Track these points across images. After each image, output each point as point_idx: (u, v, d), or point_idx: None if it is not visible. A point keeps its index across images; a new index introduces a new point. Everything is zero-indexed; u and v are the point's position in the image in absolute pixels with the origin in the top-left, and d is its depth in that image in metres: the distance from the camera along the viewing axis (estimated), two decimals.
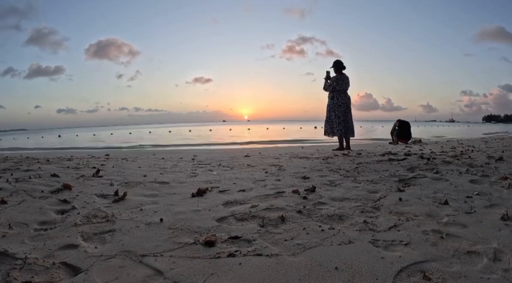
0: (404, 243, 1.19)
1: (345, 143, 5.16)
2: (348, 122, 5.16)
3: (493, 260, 1.04)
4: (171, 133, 24.62)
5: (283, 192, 1.93)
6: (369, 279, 0.94)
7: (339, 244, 1.18)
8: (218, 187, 2.11)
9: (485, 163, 2.95)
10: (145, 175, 2.52)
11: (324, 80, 5.31)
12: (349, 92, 5.30)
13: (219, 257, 1.08)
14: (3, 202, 1.62)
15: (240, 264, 1.04)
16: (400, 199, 1.74)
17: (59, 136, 25.57)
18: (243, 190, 1.99)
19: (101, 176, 2.42)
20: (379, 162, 3.19)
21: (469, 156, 3.54)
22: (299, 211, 1.55)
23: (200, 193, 1.90)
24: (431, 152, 4.19)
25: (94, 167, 2.82)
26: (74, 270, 1.00)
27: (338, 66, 5.24)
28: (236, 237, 1.24)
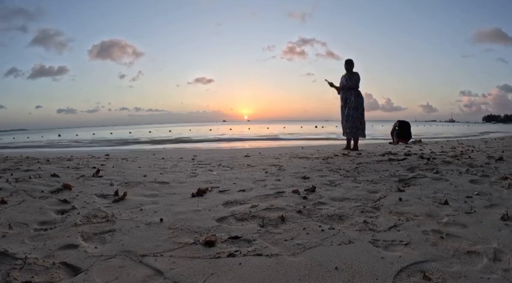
0: (404, 243, 1.19)
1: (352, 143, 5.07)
2: (355, 122, 5.02)
3: (493, 260, 1.04)
4: (171, 132, 24.63)
5: (283, 192, 1.93)
6: (369, 279, 0.94)
7: (339, 244, 1.18)
8: (218, 187, 2.11)
9: (485, 163, 2.95)
10: (145, 175, 2.52)
11: (336, 89, 5.21)
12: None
13: (219, 257, 1.08)
14: (3, 202, 1.62)
15: (240, 264, 1.04)
16: (400, 199, 1.74)
17: (59, 135, 25.58)
18: (243, 190, 1.99)
19: (101, 176, 2.42)
20: (379, 162, 3.19)
21: (469, 156, 3.54)
22: (299, 211, 1.55)
23: (200, 193, 1.90)
24: (431, 152, 4.19)
25: (94, 167, 2.82)
26: (74, 270, 1.00)
27: (352, 65, 5.13)
28: (236, 237, 1.24)
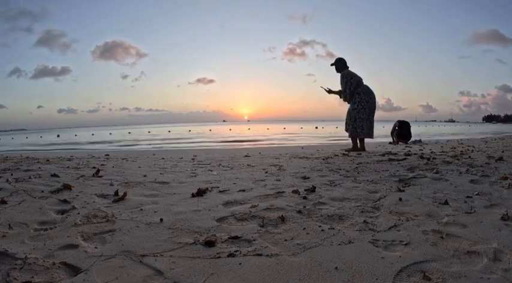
0: (404, 243, 1.18)
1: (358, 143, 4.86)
2: (356, 121, 4.78)
3: (493, 260, 1.04)
4: (171, 133, 24.61)
5: (283, 192, 1.93)
6: (369, 279, 0.94)
7: (339, 244, 1.18)
8: (218, 187, 2.11)
9: (485, 163, 2.95)
10: (145, 175, 2.52)
11: (337, 94, 4.93)
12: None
13: (219, 257, 1.08)
14: (3, 202, 1.62)
15: (240, 264, 1.04)
16: (400, 199, 1.74)
17: (58, 136, 25.57)
18: (243, 190, 1.99)
19: (101, 176, 2.42)
20: (379, 162, 3.19)
21: (469, 156, 3.54)
22: (299, 211, 1.55)
23: (200, 193, 1.90)
24: (431, 152, 4.19)
25: (94, 167, 2.82)
26: (74, 270, 1.00)
27: (342, 64, 4.82)
28: (236, 237, 1.24)
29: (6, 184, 1.98)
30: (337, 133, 17.15)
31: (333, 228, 1.33)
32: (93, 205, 1.65)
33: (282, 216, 1.45)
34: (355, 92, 4.74)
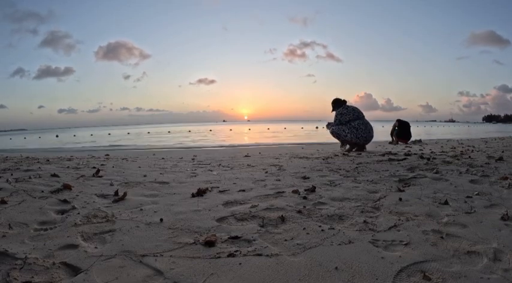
0: (404, 243, 1.18)
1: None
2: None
3: (493, 260, 1.04)
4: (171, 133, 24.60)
5: (283, 192, 1.93)
6: (369, 279, 0.94)
7: (339, 244, 1.18)
8: (218, 187, 2.11)
9: (485, 163, 2.95)
10: (145, 175, 2.52)
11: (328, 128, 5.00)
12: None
13: (219, 257, 1.08)
14: (3, 202, 1.62)
15: (240, 264, 1.04)
16: (400, 199, 1.74)
17: (57, 136, 25.57)
18: (243, 190, 1.99)
19: (101, 176, 2.42)
20: (379, 162, 3.19)
21: (469, 156, 3.54)
22: (299, 211, 1.55)
23: (200, 193, 1.90)
24: (431, 152, 4.20)
25: (94, 167, 2.82)
26: (74, 270, 1.00)
27: (336, 104, 4.92)
28: (236, 237, 1.24)
29: (6, 184, 1.98)
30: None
31: (333, 228, 1.33)
32: (93, 205, 1.65)
33: (282, 216, 1.45)
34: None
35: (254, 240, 1.22)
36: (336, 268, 1.00)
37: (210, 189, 2.03)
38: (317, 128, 27.41)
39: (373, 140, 4.92)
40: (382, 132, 12.28)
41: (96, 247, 1.16)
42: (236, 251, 1.12)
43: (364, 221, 1.41)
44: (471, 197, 1.78)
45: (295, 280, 0.94)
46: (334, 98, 5.02)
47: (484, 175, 2.38)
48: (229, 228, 1.35)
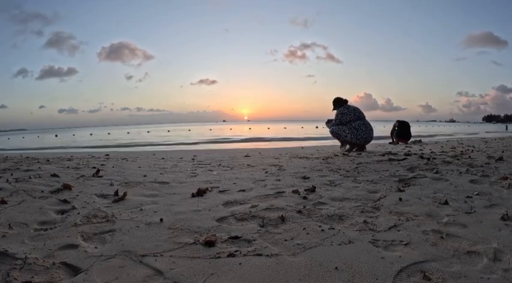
0: (404, 243, 1.18)
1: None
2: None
3: (493, 260, 1.04)
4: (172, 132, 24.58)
5: (283, 192, 1.93)
6: (369, 279, 0.94)
7: (339, 244, 1.18)
8: (218, 187, 2.11)
9: (485, 163, 2.95)
10: (145, 175, 2.52)
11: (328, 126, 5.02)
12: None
13: (219, 257, 1.08)
14: (3, 202, 1.62)
15: (240, 264, 1.04)
16: (400, 199, 1.74)
17: (56, 136, 25.58)
18: (243, 190, 1.99)
19: (101, 176, 2.42)
20: (379, 162, 3.19)
21: (469, 156, 3.54)
22: (299, 211, 1.55)
23: (200, 193, 1.90)
24: (431, 152, 4.19)
25: (94, 167, 2.82)
26: (74, 270, 1.00)
27: (338, 103, 4.90)
28: (236, 237, 1.24)
29: (6, 184, 1.98)
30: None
31: (333, 228, 1.32)
32: (93, 205, 1.65)
33: (282, 216, 1.45)
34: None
35: (254, 240, 1.22)
36: (336, 268, 1.00)
37: (210, 189, 2.03)
38: (317, 127, 27.40)
39: (373, 140, 4.92)
40: (383, 132, 12.29)
41: (96, 247, 1.16)
42: (236, 251, 1.12)
43: (364, 221, 1.41)
44: (471, 197, 1.78)
45: (295, 280, 0.94)
46: (336, 96, 5.00)
47: (484, 175, 2.38)
48: (229, 228, 1.35)
